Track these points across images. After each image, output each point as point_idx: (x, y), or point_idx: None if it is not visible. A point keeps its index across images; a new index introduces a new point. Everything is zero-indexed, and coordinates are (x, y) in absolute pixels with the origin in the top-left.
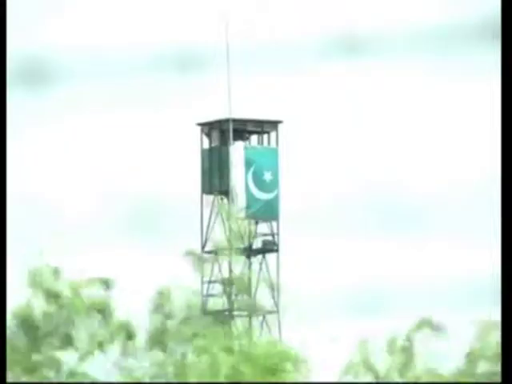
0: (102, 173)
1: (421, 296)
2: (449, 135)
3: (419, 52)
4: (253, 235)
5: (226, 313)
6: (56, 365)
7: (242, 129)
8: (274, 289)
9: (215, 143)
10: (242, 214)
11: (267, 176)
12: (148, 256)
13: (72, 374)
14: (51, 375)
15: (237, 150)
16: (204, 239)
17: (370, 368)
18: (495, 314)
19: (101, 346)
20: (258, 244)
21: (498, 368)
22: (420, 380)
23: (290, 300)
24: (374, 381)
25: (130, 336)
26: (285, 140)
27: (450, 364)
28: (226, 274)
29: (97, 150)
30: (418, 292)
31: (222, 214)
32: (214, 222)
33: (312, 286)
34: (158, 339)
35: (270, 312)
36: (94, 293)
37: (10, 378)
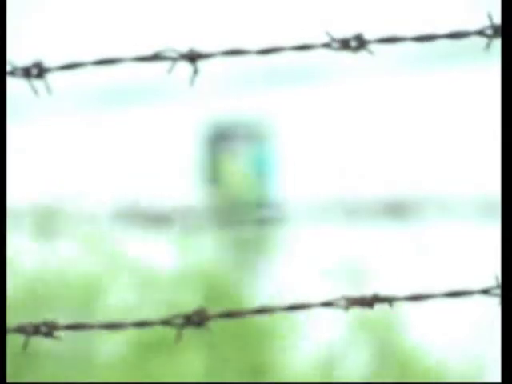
0: (98, 171)
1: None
2: (450, 136)
3: (421, 52)
4: None
5: None
6: None
7: (243, 126)
8: None
9: (216, 140)
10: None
11: (267, 173)
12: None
13: None
14: None
15: (237, 147)
16: None
17: None
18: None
19: None
20: None
21: None
22: None
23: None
24: None
25: None
26: (285, 138)
27: None
28: None
29: (95, 148)
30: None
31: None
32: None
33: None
34: None
35: None
36: None
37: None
